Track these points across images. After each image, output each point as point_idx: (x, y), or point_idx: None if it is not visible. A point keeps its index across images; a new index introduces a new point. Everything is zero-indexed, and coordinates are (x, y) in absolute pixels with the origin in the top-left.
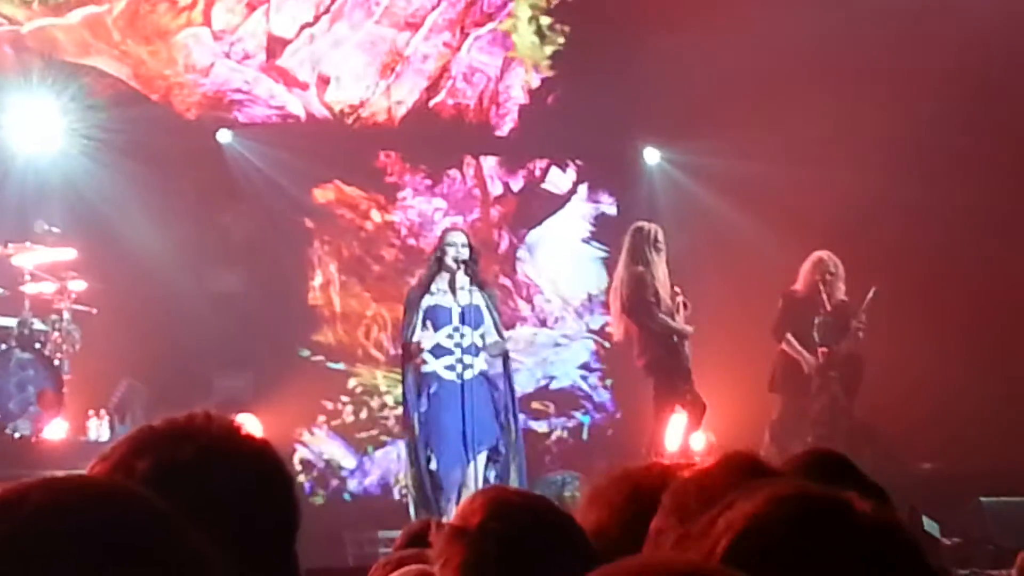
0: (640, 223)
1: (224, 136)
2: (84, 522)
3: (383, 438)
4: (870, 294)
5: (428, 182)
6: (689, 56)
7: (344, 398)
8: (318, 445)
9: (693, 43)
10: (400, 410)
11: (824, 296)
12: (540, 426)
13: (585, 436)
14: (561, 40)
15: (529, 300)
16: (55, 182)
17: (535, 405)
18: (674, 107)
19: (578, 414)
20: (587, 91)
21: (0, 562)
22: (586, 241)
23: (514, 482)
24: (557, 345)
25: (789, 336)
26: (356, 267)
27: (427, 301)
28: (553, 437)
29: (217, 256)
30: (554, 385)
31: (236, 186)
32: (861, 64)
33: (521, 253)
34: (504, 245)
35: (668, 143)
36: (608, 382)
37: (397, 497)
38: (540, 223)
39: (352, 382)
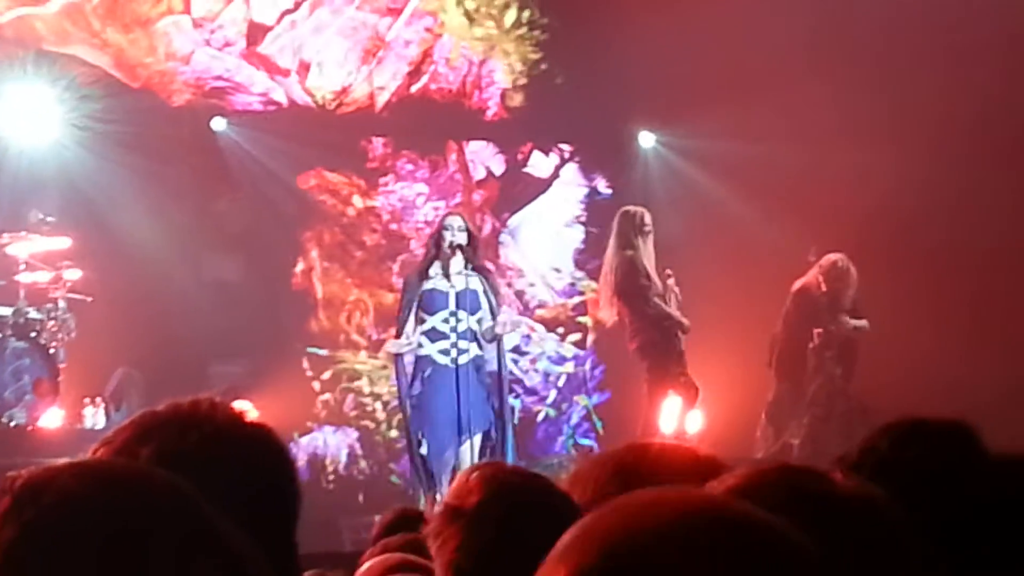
0: (627, 207)
1: (218, 124)
2: (112, 509)
3: (365, 423)
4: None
5: (410, 167)
6: (683, 38)
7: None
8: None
9: (687, 24)
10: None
11: (818, 277)
12: None
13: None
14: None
15: (510, 285)
16: (49, 172)
17: None
18: (669, 90)
19: (579, 397)
20: (580, 75)
21: (31, 544)
22: (570, 225)
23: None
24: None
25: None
26: (338, 253)
27: (425, 285)
28: None
29: (212, 244)
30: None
31: (230, 174)
32: (858, 44)
33: (504, 238)
34: (487, 230)
35: (663, 127)
36: (539, 366)
37: (396, 481)
38: (522, 208)
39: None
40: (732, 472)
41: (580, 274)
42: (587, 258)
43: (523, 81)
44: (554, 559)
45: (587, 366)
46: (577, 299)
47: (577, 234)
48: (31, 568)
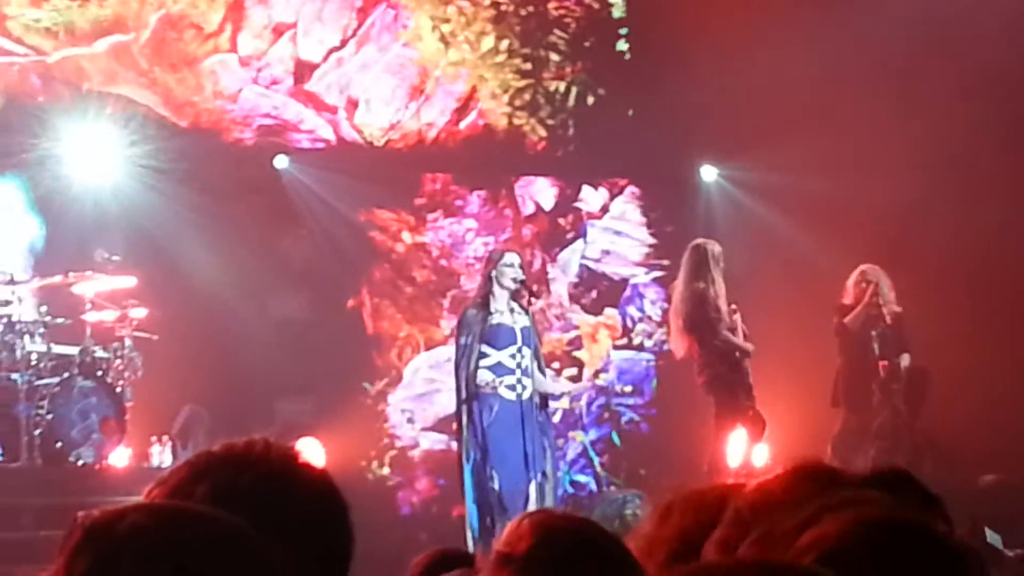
0: (699, 240)
1: (281, 161)
2: (179, 546)
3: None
4: (904, 361)
5: (459, 203)
6: (743, 70)
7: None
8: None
9: (747, 57)
10: None
11: (883, 309)
12: None
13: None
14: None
15: (561, 318)
16: (114, 211)
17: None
18: (731, 123)
19: (575, 433)
20: (642, 107)
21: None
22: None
23: (551, 502)
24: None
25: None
26: (389, 289)
27: (491, 320)
28: None
29: (276, 281)
30: None
31: (293, 211)
32: (914, 75)
33: (553, 272)
34: (536, 265)
35: (725, 160)
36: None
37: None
38: (571, 243)
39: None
40: (834, 515)
41: (575, 307)
42: (582, 292)
43: (505, 109)
44: None
45: (583, 401)
46: (573, 333)
47: (573, 267)
48: None
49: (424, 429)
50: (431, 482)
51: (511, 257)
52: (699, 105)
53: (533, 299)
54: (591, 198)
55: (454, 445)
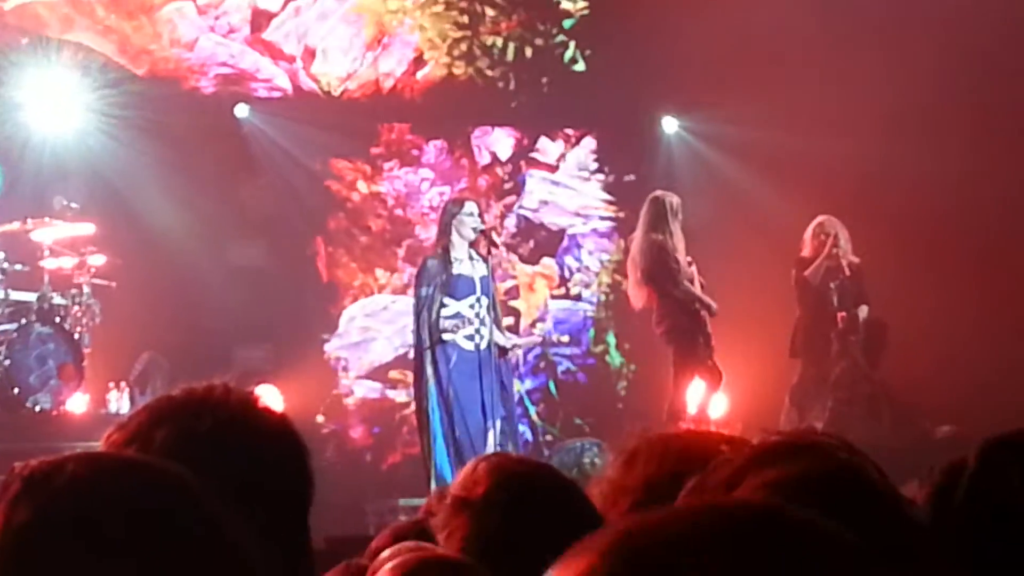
0: (658, 192)
1: (242, 111)
2: (120, 495)
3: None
4: (863, 313)
5: (415, 152)
6: (706, 25)
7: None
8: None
9: (709, 12)
10: None
11: (841, 261)
12: (398, 396)
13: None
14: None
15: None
16: (73, 158)
17: (393, 375)
18: (692, 75)
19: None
20: (603, 59)
21: (42, 527)
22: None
23: (513, 450)
24: None
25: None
26: (344, 238)
27: (452, 270)
28: (412, 407)
29: (235, 230)
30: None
31: (253, 160)
32: (877, 30)
33: (508, 223)
34: (491, 215)
35: (685, 112)
36: None
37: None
38: (527, 194)
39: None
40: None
41: (513, 257)
42: (519, 241)
43: (445, 59)
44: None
45: (519, 351)
46: (510, 283)
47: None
48: (42, 550)
49: (359, 377)
50: (366, 430)
51: (471, 206)
52: (661, 57)
53: (493, 248)
54: (548, 148)
55: (389, 393)
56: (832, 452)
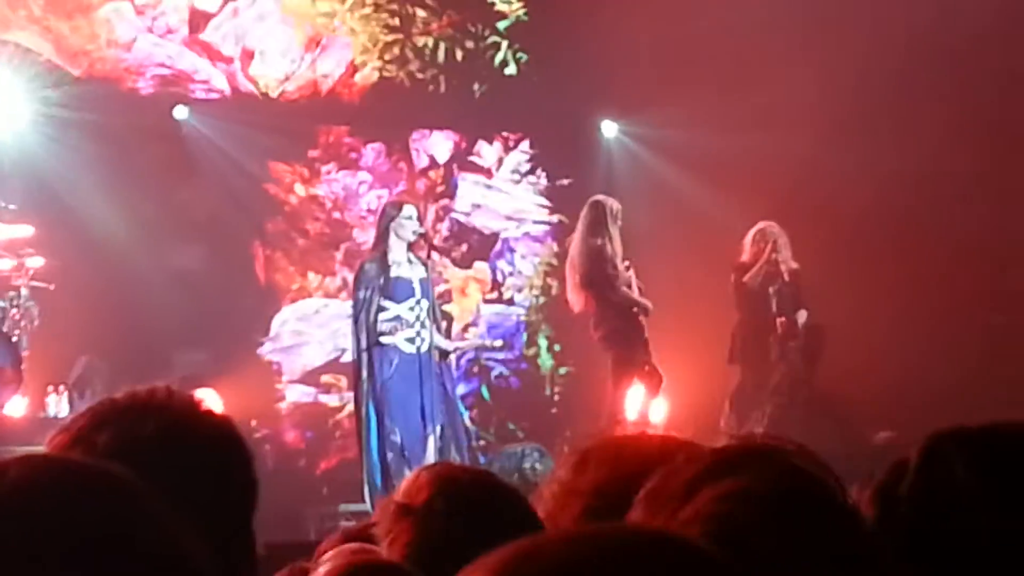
0: (598, 196)
1: (181, 112)
2: (63, 501)
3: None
4: (802, 318)
5: (353, 155)
6: (646, 28)
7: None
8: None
9: (649, 15)
10: None
11: (780, 266)
12: (331, 400)
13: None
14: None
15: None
16: (10, 160)
17: (326, 379)
18: (631, 80)
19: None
20: (541, 62)
21: None
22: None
23: (456, 456)
24: (348, 317)
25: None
26: (282, 241)
27: (390, 272)
28: (344, 412)
29: (175, 232)
30: (345, 358)
31: (193, 162)
32: (813, 33)
33: (441, 227)
34: (429, 218)
35: (625, 115)
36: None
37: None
38: (459, 197)
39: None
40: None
41: (446, 261)
42: (452, 245)
43: (376, 63)
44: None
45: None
46: (442, 287)
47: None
48: None
49: (291, 382)
50: (299, 435)
51: (410, 209)
52: (601, 60)
53: (434, 252)
54: (486, 152)
55: (322, 398)
56: (789, 460)
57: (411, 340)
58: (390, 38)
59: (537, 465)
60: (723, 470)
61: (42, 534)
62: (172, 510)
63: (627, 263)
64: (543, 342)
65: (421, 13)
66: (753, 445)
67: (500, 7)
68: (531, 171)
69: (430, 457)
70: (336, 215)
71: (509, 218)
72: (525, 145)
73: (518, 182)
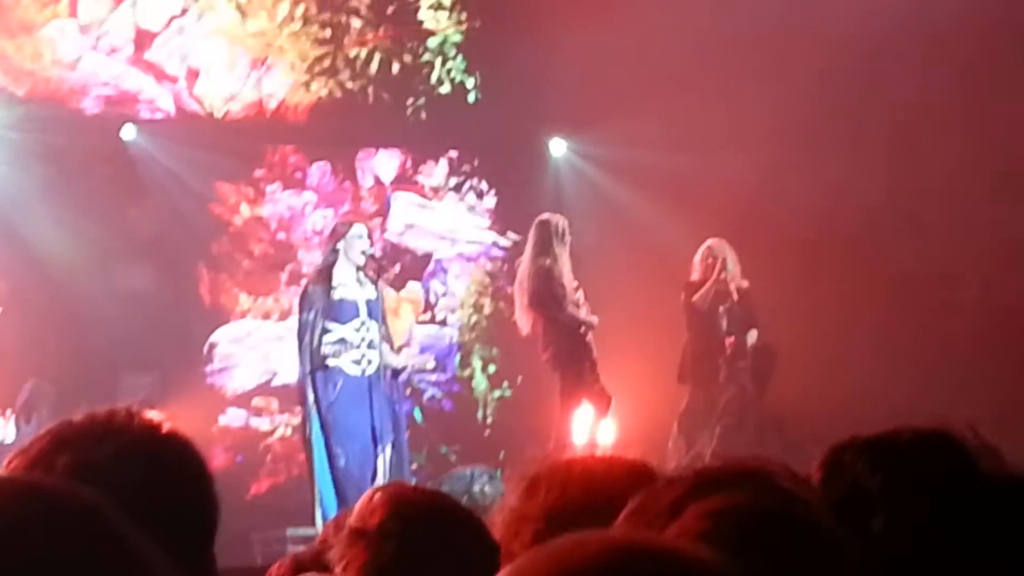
0: (545, 215)
1: (128, 132)
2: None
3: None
4: (752, 338)
5: (299, 175)
6: (593, 45)
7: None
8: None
9: (597, 32)
10: None
11: (729, 285)
12: (262, 424)
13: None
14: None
15: None
16: None
17: (256, 402)
18: (580, 98)
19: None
20: (490, 81)
21: None
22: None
23: (407, 475)
24: (280, 339)
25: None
26: (226, 262)
27: (334, 295)
28: (276, 435)
29: (121, 253)
30: (276, 381)
31: (139, 182)
32: (764, 51)
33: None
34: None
35: (574, 133)
36: None
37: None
38: (392, 217)
39: None
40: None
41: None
42: (385, 266)
43: (305, 79)
44: None
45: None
46: None
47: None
48: None
49: (223, 405)
50: (229, 458)
51: (360, 228)
52: (549, 78)
53: (383, 272)
54: (432, 171)
55: (252, 421)
56: (774, 479)
57: (357, 362)
58: (320, 51)
59: (487, 488)
60: (709, 488)
61: (7, 556)
62: (141, 533)
63: (576, 283)
64: (477, 363)
65: (356, 23)
66: (738, 465)
67: (428, 25)
68: (477, 190)
69: (381, 478)
70: (281, 236)
71: (442, 237)
72: (473, 164)
73: (463, 201)
